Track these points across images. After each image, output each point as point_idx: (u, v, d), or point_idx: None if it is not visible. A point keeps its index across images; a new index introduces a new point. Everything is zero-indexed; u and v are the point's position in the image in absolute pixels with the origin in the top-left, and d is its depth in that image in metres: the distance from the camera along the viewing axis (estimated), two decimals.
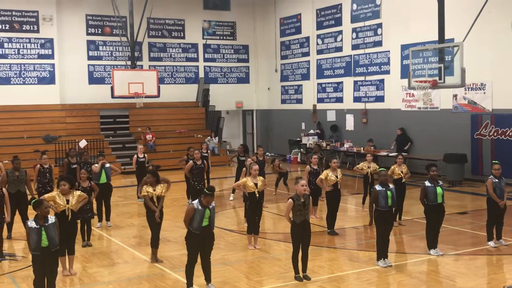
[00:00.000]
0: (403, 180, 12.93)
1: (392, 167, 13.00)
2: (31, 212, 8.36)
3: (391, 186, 9.93)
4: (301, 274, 9.09)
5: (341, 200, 12.67)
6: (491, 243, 10.93)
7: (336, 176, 12.15)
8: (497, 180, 10.79)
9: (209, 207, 8.41)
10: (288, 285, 8.89)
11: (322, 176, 12.33)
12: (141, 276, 9.52)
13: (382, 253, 9.81)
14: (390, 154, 20.16)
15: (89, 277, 9.58)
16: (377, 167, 14.54)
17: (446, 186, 15.10)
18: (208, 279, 8.64)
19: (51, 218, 7.66)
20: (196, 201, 8.49)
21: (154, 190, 10.22)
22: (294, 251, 9.04)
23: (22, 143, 23.07)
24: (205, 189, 8.47)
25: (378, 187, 9.80)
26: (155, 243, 10.25)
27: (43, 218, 7.55)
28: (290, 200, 9.02)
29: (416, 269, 9.71)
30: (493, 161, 11.34)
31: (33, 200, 7.75)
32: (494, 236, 10.99)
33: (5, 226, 11.99)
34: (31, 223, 7.52)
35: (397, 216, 12.77)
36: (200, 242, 8.39)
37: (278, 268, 9.79)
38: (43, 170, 13.71)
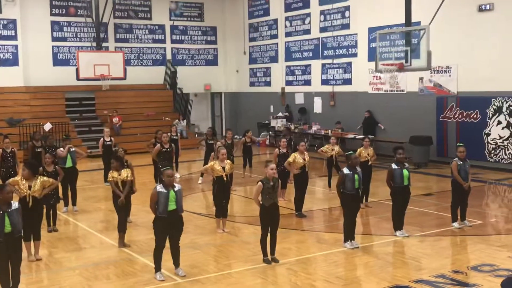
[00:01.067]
0: (370, 163, 13.09)
1: (359, 150, 13.11)
2: None
3: (358, 169, 10.00)
4: (269, 257, 9.12)
5: (309, 182, 12.76)
6: (456, 224, 11.14)
7: (304, 159, 12.21)
8: (461, 163, 10.97)
9: (174, 189, 8.37)
10: (257, 268, 8.92)
11: (290, 159, 12.39)
12: (109, 261, 9.44)
13: (349, 235, 9.91)
14: (357, 137, 20.34)
15: (55, 262, 9.46)
16: (341, 150, 14.75)
17: (412, 168, 15.28)
18: (176, 263, 8.62)
19: (15, 204, 7.51)
20: (159, 185, 8.47)
21: (119, 175, 10.15)
22: (263, 234, 9.06)
23: None
24: (160, 169, 8.52)
25: (345, 170, 9.86)
26: (122, 227, 10.18)
27: (6, 203, 7.39)
28: (260, 183, 9.02)
29: (383, 250, 9.84)
30: (458, 144, 11.53)
31: None
32: (459, 217, 11.20)
33: None
34: None
35: (364, 198, 12.92)
36: (167, 226, 8.35)
37: (246, 251, 9.81)
38: (6, 154, 13.42)
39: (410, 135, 19.15)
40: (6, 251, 7.37)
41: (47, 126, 21.64)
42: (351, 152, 10.56)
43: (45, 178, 9.66)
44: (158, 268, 8.48)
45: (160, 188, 8.37)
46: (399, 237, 10.45)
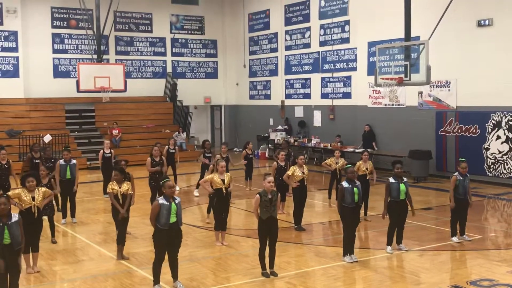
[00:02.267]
0: (368, 177, 13.08)
1: (358, 163, 13.12)
2: None
3: (357, 182, 10.01)
4: (268, 270, 9.10)
5: (308, 196, 12.76)
6: (455, 239, 11.12)
7: (303, 172, 12.22)
8: (461, 178, 10.93)
9: (175, 202, 8.37)
10: (255, 281, 8.89)
11: (289, 172, 12.39)
12: (107, 274, 9.41)
13: (348, 249, 9.90)
14: (357, 150, 20.36)
15: (53, 274, 9.43)
16: (345, 163, 14.67)
17: (411, 182, 15.26)
18: (175, 276, 8.59)
19: (15, 216, 7.49)
20: (160, 197, 8.47)
21: (120, 188, 10.13)
22: (261, 247, 9.05)
23: None
24: (160, 183, 8.58)
25: (344, 184, 9.87)
26: (121, 239, 10.15)
27: (5, 216, 7.37)
28: (258, 196, 9.04)
29: (381, 264, 9.82)
30: (460, 159, 11.41)
31: None
32: (458, 231, 11.19)
33: None
34: None
35: (363, 212, 12.90)
36: (168, 239, 8.32)
37: (245, 264, 9.79)
38: (1, 166, 13.40)
39: (409, 149, 19.17)
40: (5, 263, 7.34)
41: (47, 138, 21.67)
42: (349, 165, 10.57)
43: (45, 189, 9.68)
44: (156, 281, 8.45)
45: (162, 200, 8.35)
46: (389, 253, 10.33)
